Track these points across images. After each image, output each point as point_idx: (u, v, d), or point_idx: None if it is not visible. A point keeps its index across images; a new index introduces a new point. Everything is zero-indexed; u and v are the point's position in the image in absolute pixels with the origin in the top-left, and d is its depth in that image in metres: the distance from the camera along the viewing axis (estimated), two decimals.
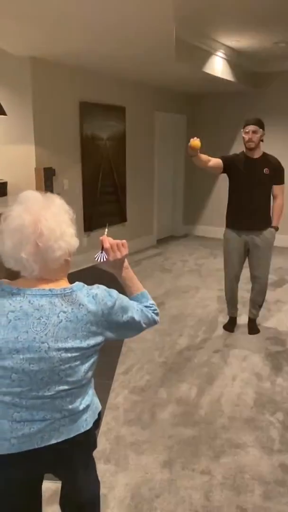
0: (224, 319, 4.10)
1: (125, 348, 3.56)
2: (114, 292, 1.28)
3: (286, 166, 3.68)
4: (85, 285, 1.26)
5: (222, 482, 2.19)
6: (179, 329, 3.96)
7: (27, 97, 4.69)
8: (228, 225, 3.70)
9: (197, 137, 3.20)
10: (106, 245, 1.35)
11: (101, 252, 1.35)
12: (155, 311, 1.41)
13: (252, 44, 5.26)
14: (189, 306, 4.51)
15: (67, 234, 1.19)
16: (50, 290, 1.18)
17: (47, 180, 4.77)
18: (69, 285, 1.22)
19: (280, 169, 3.58)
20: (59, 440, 1.23)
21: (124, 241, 1.38)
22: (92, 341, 1.22)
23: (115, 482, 2.16)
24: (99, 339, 1.24)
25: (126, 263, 1.40)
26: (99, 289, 1.26)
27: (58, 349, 1.16)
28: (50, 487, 2.00)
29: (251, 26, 4.52)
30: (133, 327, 1.32)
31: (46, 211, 1.16)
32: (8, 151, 4.89)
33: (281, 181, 3.60)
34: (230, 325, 3.94)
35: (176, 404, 2.83)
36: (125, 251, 1.38)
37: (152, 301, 1.42)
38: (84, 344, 1.20)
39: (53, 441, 1.22)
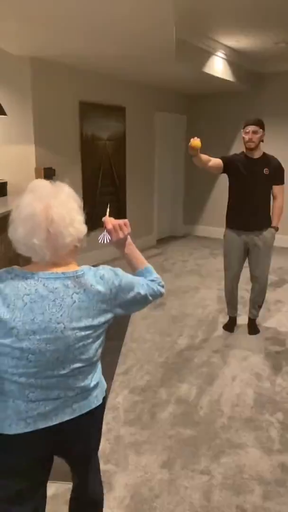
0: (224, 319, 4.10)
1: (125, 348, 3.56)
2: (119, 271, 1.35)
3: (286, 167, 3.68)
4: (91, 267, 1.32)
5: (221, 482, 2.19)
6: (179, 329, 3.96)
7: (27, 97, 4.69)
8: (228, 225, 3.70)
9: (198, 137, 3.20)
10: (109, 226, 1.43)
11: (104, 233, 1.41)
12: (160, 284, 1.47)
13: (252, 44, 5.26)
14: (189, 306, 4.51)
15: (76, 221, 1.24)
16: (63, 273, 1.24)
17: (47, 180, 4.77)
18: (78, 268, 1.28)
19: (280, 169, 3.58)
20: (73, 416, 1.30)
21: (126, 220, 1.46)
22: (102, 319, 1.29)
23: (115, 482, 2.16)
24: (108, 316, 1.32)
25: (129, 239, 1.48)
26: (105, 270, 1.33)
27: (73, 329, 1.23)
28: (49, 486, 2.00)
29: (251, 26, 4.52)
30: (140, 302, 1.39)
31: (55, 199, 1.21)
32: (8, 151, 4.89)
33: (281, 181, 3.61)
34: (230, 325, 3.94)
35: (175, 404, 2.83)
36: (127, 230, 1.45)
37: (157, 275, 1.48)
38: (96, 322, 1.27)
39: (67, 418, 1.30)
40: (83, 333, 1.24)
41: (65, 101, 5.12)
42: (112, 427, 2.58)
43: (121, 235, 1.44)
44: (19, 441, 1.26)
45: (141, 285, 1.39)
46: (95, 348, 1.30)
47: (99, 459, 1.60)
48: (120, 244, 1.46)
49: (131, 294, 1.35)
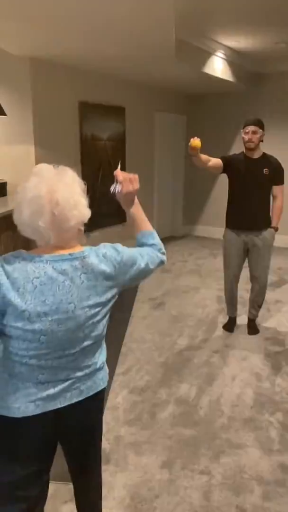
0: (223, 319, 4.10)
1: (124, 348, 3.56)
2: (120, 247, 1.38)
3: (286, 167, 3.68)
4: (92, 247, 1.35)
5: (221, 482, 2.19)
6: (178, 329, 3.96)
7: (27, 97, 4.69)
8: (228, 225, 3.70)
9: (197, 137, 3.20)
10: (120, 178, 1.50)
11: (116, 184, 1.49)
12: (161, 251, 1.52)
13: (252, 44, 5.26)
14: (189, 306, 4.51)
15: (80, 204, 1.26)
16: (70, 254, 1.26)
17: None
18: (83, 249, 1.31)
19: (280, 170, 3.58)
20: (80, 398, 1.34)
21: (136, 175, 1.52)
22: (109, 295, 1.33)
23: (114, 483, 2.16)
24: (114, 291, 1.36)
25: (136, 200, 1.54)
26: (106, 248, 1.36)
27: (83, 308, 1.26)
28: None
29: (251, 27, 4.52)
30: (142, 273, 1.43)
31: (60, 182, 1.23)
32: (8, 151, 4.88)
33: (280, 182, 3.61)
34: (230, 325, 3.94)
35: (175, 404, 2.83)
36: (136, 185, 1.52)
37: (159, 241, 1.54)
38: (103, 299, 1.31)
39: (75, 400, 1.33)
40: (92, 311, 1.28)
41: (65, 101, 5.12)
42: (112, 427, 2.58)
43: (130, 188, 1.50)
44: (27, 424, 1.28)
45: (142, 257, 1.42)
46: (103, 325, 1.35)
47: (100, 465, 1.61)
48: (128, 200, 1.52)
49: (133, 267, 1.39)
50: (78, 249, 1.30)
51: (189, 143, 3.16)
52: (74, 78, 5.18)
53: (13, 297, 1.18)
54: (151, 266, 1.45)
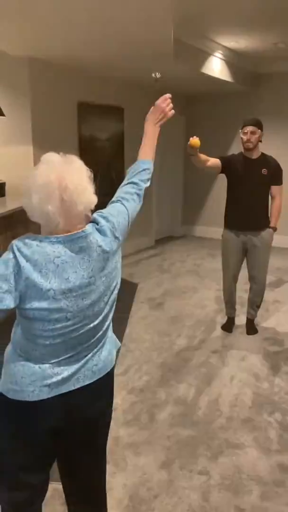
0: (222, 319, 4.10)
1: (123, 349, 3.56)
2: (106, 213, 1.43)
3: (284, 167, 3.68)
4: (92, 223, 1.38)
5: (220, 482, 2.19)
6: (177, 330, 3.96)
7: (25, 98, 4.68)
8: (227, 226, 3.70)
9: (196, 136, 3.19)
10: (168, 95, 1.79)
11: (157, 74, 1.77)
12: (147, 176, 1.68)
13: (251, 44, 5.26)
14: (188, 307, 4.51)
15: (88, 190, 1.31)
16: (83, 231, 1.30)
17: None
18: (88, 226, 1.35)
19: (279, 170, 3.58)
20: (92, 380, 1.38)
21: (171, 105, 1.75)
22: (116, 256, 1.40)
23: (113, 483, 2.16)
24: (119, 251, 1.43)
25: (158, 126, 1.79)
26: (99, 218, 1.39)
27: (101, 277, 1.33)
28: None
29: (250, 27, 4.52)
30: (133, 216, 1.55)
31: (68, 169, 1.28)
32: (6, 151, 4.88)
33: (279, 182, 3.61)
34: (228, 326, 3.95)
35: (174, 404, 2.83)
36: (170, 112, 1.80)
37: (149, 167, 1.72)
38: (113, 262, 1.38)
39: (87, 382, 1.37)
40: (109, 277, 1.35)
41: (63, 101, 5.11)
42: (110, 428, 2.57)
43: (168, 111, 1.77)
44: (40, 407, 1.31)
45: (128, 205, 1.53)
46: (114, 287, 1.41)
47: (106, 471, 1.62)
48: (156, 116, 1.77)
49: (122, 216, 1.47)
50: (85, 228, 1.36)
51: (188, 142, 3.16)
52: (72, 78, 5.18)
53: (37, 277, 1.22)
54: (138, 202, 1.59)
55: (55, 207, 1.23)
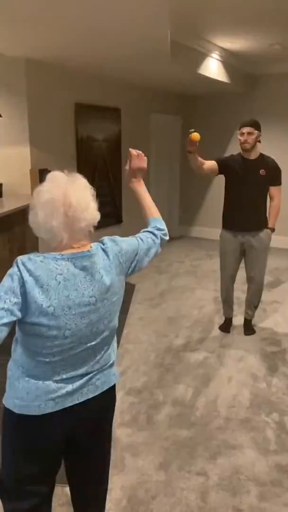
0: (220, 320, 4.10)
1: (121, 350, 3.56)
2: (118, 238, 1.47)
3: (282, 167, 3.68)
4: (98, 243, 1.44)
5: (218, 483, 2.19)
6: (175, 330, 3.96)
7: (22, 99, 4.68)
8: (224, 226, 3.70)
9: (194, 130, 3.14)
10: (133, 152, 1.71)
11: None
12: (163, 232, 1.67)
13: (247, 45, 5.27)
14: (185, 307, 4.51)
15: (91, 207, 1.35)
16: (88, 251, 1.35)
17: (42, 182, 4.77)
18: (94, 247, 1.40)
19: (277, 171, 3.57)
20: (96, 393, 1.42)
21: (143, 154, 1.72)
22: (120, 284, 1.43)
23: (111, 484, 2.15)
24: (122, 279, 1.45)
25: (143, 183, 1.75)
26: (106, 241, 1.44)
27: (102, 300, 1.35)
28: None
29: (246, 28, 4.53)
30: (145, 255, 1.54)
31: (73, 187, 1.32)
32: (3, 152, 4.87)
33: (278, 183, 3.59)
34: (226, 326, 3.95)
35: (172, 405, 2.83)
36: (144, 164, 1.72)
37: (164, 226, 1.70)
38: (117, 289, 1.40)
39: (91, 395, 1.41)
40: (110, 302, 1.38)
41: (60, 102, 5.11)
42: None
43: (143, 163, 1.70)
44: (46, 421, 1.33)
45: (141, 242, 1.54)
46: (116, 314, 1.45)
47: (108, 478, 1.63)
48: (136, 175, 1.71)
49: (135, 252, 1.49)
50: (91, 247, 1.39)
51: (189, 136, 3.09)
52: (69, 79, 5.17)
53: (37, 293, 1.24)
54: (153, 249, 1.58)
55: (60, 222, 1.27)
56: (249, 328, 3.90)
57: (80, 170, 6.06)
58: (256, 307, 3.88)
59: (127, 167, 1.70)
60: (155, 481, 2.19)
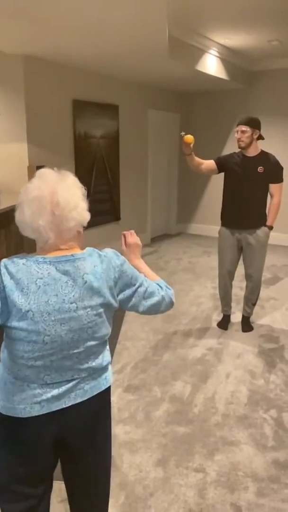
0: (218, 316, 4.11)
1: (119, 347, 3.56)
2: (123, 257, 1.42)
3: (281, 164, 3.67)
4: (95, 249, 1.39)
5: (216, 479, 2.19)
6: (173, 327, 3.96)
7: (19, 95, 4.66)
8: (222, 223, 3.70)
9: (189, 134, 3.18)
10: (125, 232, 1.64)
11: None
12: (170, 291, 1.54)
13: (245, 42, 5.26)
14: (183, 304, 4.51)
15: (79, 206, 1.30)
16: (72, 255, 1.30)
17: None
18: (84, 251, 1.35)
19: (278, 168, 3.54)
20: (84, 398, 1.35)
21: (132, 231, 1.64)
22: (111, 299, 1.35)
23: None
24: (114, 294, 1.37)
25: (139, 256, 1.63)
26: (108, 251, 1.40)
27: (85, 307, 1.28)
28: None
29: (244, 24, 4.52)
30: (142, 297, 1.43)
31: (61, 185, 1.28)
32: (1, 149, 4.86)
33: (278, 180, 3.56)
34: (224, 323, 3.95)
35: (170, 402, 2.84)
36: (135, 238, 1.62)
37: (169, 288, 1.57)
38: (106, 300, 1.33)
39: (79, 400, 1.34)
40: (95, 311, 1.30)
41: (58, 99, 5.10)
42: None
43: (136, 239, 1.61)
44: (32, 424, 1.30)
45: (146, 280, 1.45)
46: (106, 327, 1.37)
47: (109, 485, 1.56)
48: (135, 251, 1.60)
49: (132, 284, 1.40)
50: (80, 251, 1.34)
51: (182, 139, 3.15)
52: (67, 76, 5.16)
53: (17, 297, 1.21)
54: (156, 296, 1.46)
55: (46, 221, 1.24)
56: (247, 325, 3.91)
57: (78, 167, 6.11)
58: (254, 304, 3.89)
59: (123, 247, 1.61)
60: (153, 478, 2.20)
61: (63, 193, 1.26)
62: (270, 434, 2.53)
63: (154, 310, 1.48)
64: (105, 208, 6.05)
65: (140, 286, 1.42)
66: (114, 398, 2.85)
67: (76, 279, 1.27)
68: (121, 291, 1.39)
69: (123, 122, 6.19)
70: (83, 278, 1.28)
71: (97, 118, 5.72)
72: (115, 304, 1.38)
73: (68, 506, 1.59)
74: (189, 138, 3.14)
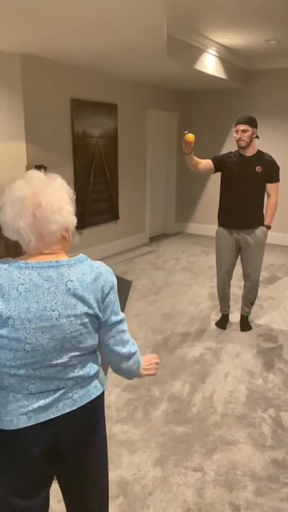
0: (216, 316, 4.11)
1: None
2: (115, 277, 1.36)
3: (279, 164, 3.67)
4: (89, 258, 1.33)
5: (214, 478, 2.20)
6: (171, 327, 3.96)
7: (18, 94, 4.65)
8: (220, 224, 3.69)
9: (190, 132, 3.18)
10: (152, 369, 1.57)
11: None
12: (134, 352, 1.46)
13: (244, 41, 5.26)
14: (182, 304, 4.51)
15: (64, 210, 1.25)
16: (56, 261, 1.25)
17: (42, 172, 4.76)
18: (74, 257, 1.30)
19: (274, 167, 3.54)
20: (74, 408, 1.30)
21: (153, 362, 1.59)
22: (98, 309, 1.29)
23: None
24: (100, 310, 1.30)
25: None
26: (101, 264, 1.35)
27: (68, 316, 1.23)
28: None
29: (243, 24, 4.52)
30: (113, 333, 1.36)
31: (46, 187, 1.24)
32: None
33: (275, 180, 3.57)
34: (222, 322, 3.95)
35: (168, 401, 2.83)
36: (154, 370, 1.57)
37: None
38: (91, 311, 1.27)
39: (68, 409, 1.29)
40: (79, 321, 1.25)
41: (56, 98, 5.09)
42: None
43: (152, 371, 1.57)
44: (21, 436, 1.26)
45: (122, 323, 1.39)
46: (92, 338, 1.31)
47: (108, 492, 1.53)
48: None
49: (116, 308, 1.35)
50: (64, 258, 1.28)
51: (184, 138, 3.13)
52: (65, 75, 5.15)
53: None
54: (127, 347, 1.41)
55: (27, 223, 1.20)
56: (245, 324, 3.91)
57: (76, 167, 6.10)
58: (252, 304, 3.89)
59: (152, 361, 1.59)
60: (152, 477, 2.20)
61: (46, 195, 1.22)
62: (268, 434, 2.54)
63: (118, 355, 1.39)
64: (103, 208, 6.05)
65: (121, 321, 1.37)
66: (112, 398, 2.85)
67: (59, 286, 1.22)
68: (102, 311, 1.31)
69: (122, 121, 6.19)
70: (66, 285, 1.23)
71: (96, 117, 5.71)
72: (103, 319, 1.32)
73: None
74: (190, 136, 3.14)
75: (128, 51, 4.42)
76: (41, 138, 4.92)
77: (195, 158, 3.39)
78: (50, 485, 1.41)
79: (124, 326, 1.39)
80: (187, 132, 3.18)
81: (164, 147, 7.51)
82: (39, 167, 4.77)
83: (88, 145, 5.63)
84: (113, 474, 2.20)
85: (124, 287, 4.90)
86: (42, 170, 1.31)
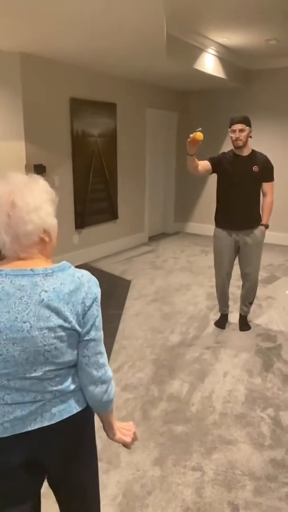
0: (215, 316, 4.11)
1: (116, 346, 3.56)
2: (99, 289, 1.28)
3: (275, 163, 3.68)
4: (72, 266, 1.26)
5: (213, 478, 2.20)
6: (170, 326, 3.96)
7: (17, 94, 4.65)
8: (217, 225, 3.68)
9: (192, 133, 3.13)
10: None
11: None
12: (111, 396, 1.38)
13: (243, 41, 5.26)
14: (181, 303, 4.51)
15: (42, 210, 1.20)
16: (31, 270, 1.18)
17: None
18: (51, 265, 1.23)
19: (269, 167, 3.55)
20: (52, 422, 1.24)
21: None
22: (75, 323, 1.21)
23: (107, 480, 2.16)
24: (80, 325, 1.23)
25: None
26: (86, 273, 1.26)
27: (41, 328, 1.16)
28: None
29: (242, 23, 4.52)
30: (96, 352, 1.27)
31: (24, 187, 1.19)
32: None
33: (270, 179, 3.58)
34: (221, 322, 3.96)
35: (167, 401, 2.84)
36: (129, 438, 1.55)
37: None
38: (68, 324, 1.19)
39: (46, 423, 1.23)
40: (52, 334, 1.18)
41: (55, 97, 5.08)
42: None
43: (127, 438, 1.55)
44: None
45: (101, 344, 1.28)
46: (71, 353, 1.23)
47: (99, 500, 1.51)
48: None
49: (97, 323, 1.26)
50: (43, 265, 1.22)
51: (193, 136, 3.04)
52: (65, 74, 5.15)
53: None
54: (100, 370, 1.28)
55: (1, 223, 1.16)
56: (244, 324, 3.91)
57: (76, 166, 6.10)
58: (251, 303, 3.89)
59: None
60: (151, 477, 2.20)
61: (22, 194, 1.17)
62: (267, 433, 2.54)
63: (89, 376, 1.27)
64: (102, 207, 6.04)
65: (100, 339, 1.28)
66: None
67: (31, 296, 1.16)
68: (83, 320, 1.23)
69: (121, 120, 6.19)
70: (40, 296, 1.16)
71: (95, 116, 5.71)
72: (82, 332, 1.23)
73: None
74: (200, 135, 3.04)
75: (128, 51, 4.42)
76: (40, 137, 4.92)
77: (196, 160, 3.38)
78: (37, 496, 1.38)
79: (101, 347, 1.29)
80: (200, 129, 3.10)
81: (163, 147, 7.51)
82: (38, 167, 4.78)
83: (87, 145, 5.63)
84: (112, 474, 2.21)
85: (123, 286, 4.90)
86: (29, 174, 1.28)
